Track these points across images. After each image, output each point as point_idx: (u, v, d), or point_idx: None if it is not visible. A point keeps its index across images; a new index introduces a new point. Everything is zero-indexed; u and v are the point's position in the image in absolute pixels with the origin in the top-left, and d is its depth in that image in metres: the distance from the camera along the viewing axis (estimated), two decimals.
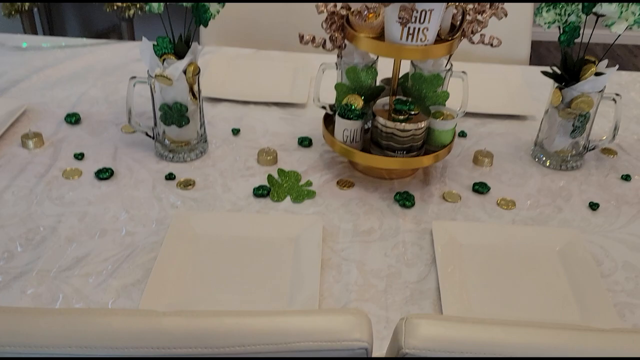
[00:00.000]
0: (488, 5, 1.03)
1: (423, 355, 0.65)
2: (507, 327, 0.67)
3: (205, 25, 1.14)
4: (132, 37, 2.58)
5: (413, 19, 1.03)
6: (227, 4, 1.77)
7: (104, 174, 1.17)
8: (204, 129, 1.27)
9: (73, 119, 1.33)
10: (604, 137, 1.30)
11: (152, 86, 1.18)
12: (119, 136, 1.30)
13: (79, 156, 1.22)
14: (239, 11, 1.78)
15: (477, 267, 1.02)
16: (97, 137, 1.30)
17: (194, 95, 1.20)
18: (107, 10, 2.35)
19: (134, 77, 1.20)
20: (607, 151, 1.34)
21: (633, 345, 0.65)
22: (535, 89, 1.56)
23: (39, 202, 1.10)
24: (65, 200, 1.11)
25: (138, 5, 2.40)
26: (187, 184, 1.17)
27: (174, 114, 1.19)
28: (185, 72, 1.17)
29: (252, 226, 1.06)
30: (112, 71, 1.54)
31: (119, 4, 2.35)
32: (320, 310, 0.90)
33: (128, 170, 1.20)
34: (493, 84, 1.57)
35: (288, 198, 1.16)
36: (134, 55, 1.61)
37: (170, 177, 1.19)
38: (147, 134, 1.25)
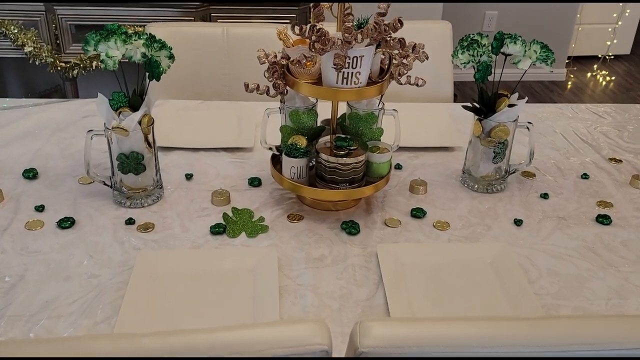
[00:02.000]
0: (411, 50, 1.18)
1: (377, 353, 0.74)
2: (447, 321, 0.78)
3: (158, 79, 1.24)
4: (76, 96, 2.64)
5: (346, 65, 1.16)
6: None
7: (66, 223, 1.24)
8: (160, 175, 1.35)
9: (31, 174, 1.39)
10: (522, 162, 1.45)
11: (109, 138, 1.26)
12: (77, 187, 1.37)
13: (40, 208, 1.28)
14: (183, 65, 1.89)
15: (420, 283, 1.13)
16: (55, 189, 1.36)
17: (149, 144, 1.29)
18: (51, 71, 2.41)
19: (91, 131, 1.28)
20: (526, 174, 1.50)
21: (552, 329, 0.76)
22: (459, 123, 1.72)
23: (4, 253, 1.15)
24: (30, 250, 1.17)
25: (82, 65, 2.48)
26: (147, 227, 1.25)
27: (131, 163, 1.27)
28: (140, 123, 1.26)
29: (212, 261, 1.15)
30: (64, 127, 1.61)
31: (63, 64, 2.42)
32: (284, 320, 0.99)
33: (88, 218, 1.27)
34: (422, 120, 1.72)
35: (243, 234, 1.25)
36: (84, 112, 1.69)
37: (130, 221, 1.26)
38: (104, 183, 1.32)
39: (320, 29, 1.09)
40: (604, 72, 4.37)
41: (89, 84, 2.70)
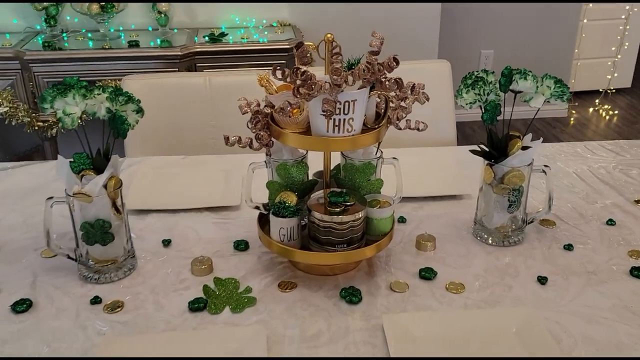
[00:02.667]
0: (409, 92, 1.03)
1: None
2: None
3: (124, 136, 1.10)
4: (56, 157, 2.50)
5: (337, 111, 1.01)
6: (149, 112, 1.75)
7: (21, 306, 1.07)
8: (131, 243, 1.19)
9: None
10: (540, 209, 1.29)
11: (71, 205, 1.11)
12: (39, 262, 1.21)
13: None
14: (164, 119, 1.75)
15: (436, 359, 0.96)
16: (14, 265, 1.20)
17: (117, 209, 1.14)
18: (28, 130, 2.28)
19: (50, 198, 1.12)
20: (545, 222, 1.34)
21: None
22: (466, 167, 1.57)
23: None
24: None
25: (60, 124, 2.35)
26: (115, 307, 1.08)
27: (97, 232, 1.12)
28: (106, 186, 1.11)
29: (189, 345, 0.98)
30: (30, 193, 1.46)
31: (40, 123, 2.29)
32: None
33: (48, 298, 1.10)
34: (425, 166, 1.57)
35: (227, 309, 1.08)
36: (52, 176, 1.53)
37: (95, 301, 1.09)
38: (69, 257, 1.16)
39: (305, 71, 0.95)
40: (606, 106, 4.25)
41: (70, 143, 2.56)
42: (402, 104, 1.16)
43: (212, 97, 1.74)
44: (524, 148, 1.19)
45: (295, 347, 0.99)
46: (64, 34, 2.60)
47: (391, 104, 1.15)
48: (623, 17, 4.16)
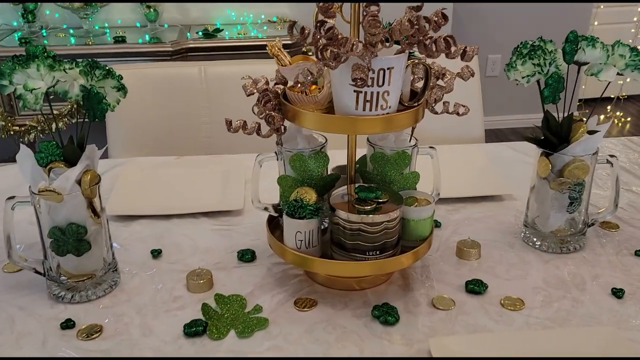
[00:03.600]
0: (460, 56, 0.82)
1: None
2: None
3: (101, 118, 0.88)
4: None
5: (370, 81, 0.81)
6: (137, 108, 1.53)
7: None
8: (112, 254, 0.97)
9: None
10: (602, 209, 1.09)
11: (37, 206, 0.89)
12: (0, 278, 0.99)
13: None
14: (153, 114, 1.54)
15: None
16: None
17: (94, 212, 0.92)
18: (2, 136, 2.06)
19: (11, 197, 0.91)
20: (606, 225, 1.13)
21: None
22: (501, 166, 1.36)
23: None
24: None
25: (39, 128, 2.13)
26: (92, 332, 0.86)
27: (69, 239, 0.90)
28: (80, 183, 0.89)
29: None
30: None
31: (16, 127, 2.07)
32: None
33: (9, 322, 0.88)
34: (456, 165, 1.36)
35: (232, 333, 0.86)
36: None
37: (67, 325, 0.87)
38: (35, 271, 0.94)
39: (332, 25, 0.74)
40: (618, 113, 4.07)
41: None
42: (440, 82, 0.96)
43: (207, 90, 1.53)
44: (590, 133, 0.98)
45: None
46: (43, 30, 2.39)
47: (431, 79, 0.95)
48: (635, 19, 4.00)
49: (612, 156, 1.04)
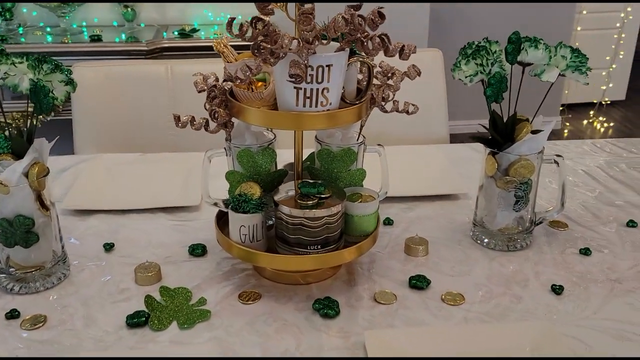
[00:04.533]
0: (398, 54, 0.84)
1: None
2: None
3: (47, 111, 0.90)
4: None
5: (309, 78, 0.82)
6: (104, 105, 1.54)
7: None
8: (62, 246, 0.98)
9: None
10: (551, 208, 1.11)
11: None
12: None
13: None
14: (120, 111, 1.55)
15: None
16: None
17: (42, 204, 0.93)
18: None
19: None
20: (556, 224, 1.15)
21: None
22: (461, 166, 1.38)
23: None
24: None
25: (14, 125, 2.14)
26: (36, 322, 0.87)
27: (17, 231, 0.91)
28: (27, 175, 0.90)
29: None
30: None
31: None
32: None
33: None
34: (414, 164, 1.38)
35: (174, 324, 0.87)
36: None
37: (12, 315, 0.88)
38: None
39: (267, 22, 0.76)
40: (601, 118, 4.10)
41: None
42: (389, 81, 0.97)
43: (174, 88, 1.54)
44: (534, 132, 1.00)
45: None
46: (20, 28, 2.40)
47: (376, 80, 0.97)
48: (618, 25, 4.03)
49: (558, 156, 1.06)
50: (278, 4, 0.85)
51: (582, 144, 1.55)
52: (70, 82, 0.92)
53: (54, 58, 0.93)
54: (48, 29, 2.42)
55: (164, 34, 2.39)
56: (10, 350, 0.82)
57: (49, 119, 2.19)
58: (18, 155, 0.91)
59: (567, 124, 4.04)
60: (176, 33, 2.40)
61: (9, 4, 2.35)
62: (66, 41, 2.28)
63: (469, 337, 0.83)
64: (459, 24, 3.47)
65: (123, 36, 2.36)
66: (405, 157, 1.41)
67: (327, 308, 0.89)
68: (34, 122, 0.93)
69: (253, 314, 0.90)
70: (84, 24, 2.47)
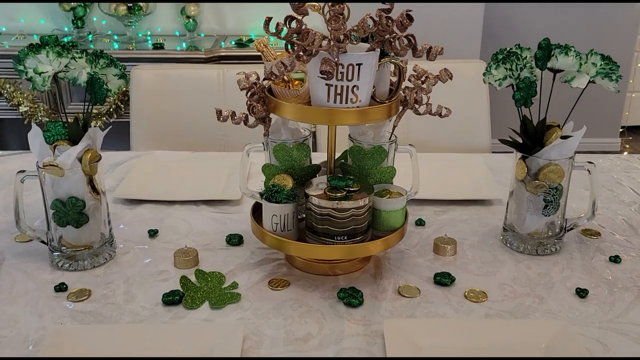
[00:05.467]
0: (425, 55, 0.88)
1: None
2: None
3: (102, 102, 0.98)
4: None
5: (339, 76, 0.87)
6: (158, 106, 1.64)
7: None
8: (110, 229, 1.06)
9: None
10: (582, 215, 1.11)
11: (42, 179, 0.99)
12: (11, 246, 1.09)
13: None
14: (173, 112, 1.64)
15: None
16: None
17: (93, 188, 1.01)
18: None
19: (22, 171, 1.01)
20: (588, 232, 1.15)
21: None
22: (500, 174, 1.40)
23: None
24: None
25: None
26: (81, 295, 0.95)
27: (69, 212, 0.99)
28: (80, 160, 0.98)
29: (151, 342, 0.83)
30: None
31: None
32: None
33: (11, 284, 0.98)
34: (453, 171, 1.40)
35: (206, 304, 0.93)
36: None
37: (61, 288, 0.96)
38: (42, 241, 1.04)
39: (300, 21, 0.82)
40: None
41: None
42: (422, 85, 1.01)
43: (224, 91, 1.62)
44: (564, 138, 1.01)
45: (279, 350, 0.83)
46: (90, 36, 2.56)
47: (409, 83, 1.01)
48: None
49: (590, 163, 1.07)
50: (314, 6, 0.90)
51: (629, 158, 1.53)
52: (123, 76, 1.00)
53: (120, 64, 1.01)
54: (115, 37, 2.57)
55: (222, 43, 2.49)
56: (55, 319, 0.90)
57: (112, 120, 2.32)
58: (74, 141, 1.00)
59: (627, 146, 3.94)
60: (233, 43, 2.50)
61: (81, 13, 2.51)
62: (131, 48, 2.42)
63: (486, 331, 0.85)
64: (512, 41, 3.45)
65: (184, 45, 2.48)
66: (445, 163, 1.44)
67: (351, 297, 0.93)
68: (90, 112, 1.01)
69: (280, 299, 0.95)
70: (149, 33, 2.61)
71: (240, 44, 2.47)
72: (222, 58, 2.34)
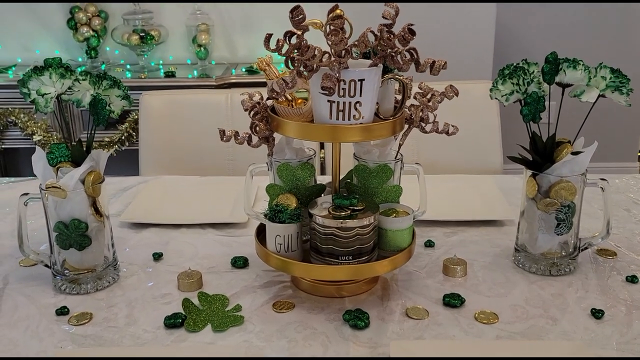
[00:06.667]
0: (429, 70, 0.87)
1: None
2: None
3: (104, 123, 0.98)
4: None
5: (341, 92, 0.86)
6: (167, 131, 1.64)
7: None
8: (114, 252, 1.05)
9: None
10: (597, 234, 1.08)
11: (45, 202, 0.98)
12: (15, 270, 1.08)
13: None
14: (182, 137, 1.64)
15: None
16: None
17: (96, 210, 1.00)
18: None
19: (25, 194, 1.00)
20: (604, 252, 1.12)
21: None
22: (511, 195, 1.36)
23: None
24: None
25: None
26: (82, 319, 0.93)
27: (71, 234, 0.98)
28: (84, 182, 0.98)
29: None
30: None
31: None
32: None
33: (13, 308, 0.97)
34: (464, 191, 1.38)
35: (209, 327, 0.91)
36: None
37: (62, 311, 0.95)
38: (46, 265, 1.03)
39: (300, 36, 0.81)
40: None
41: (107, 169, 2.49)
42: (428, 103, 1.00)
43: (232, 116, 1.62)
44: (575, 154, 0.99)
45: None
46: (103, 65, 2.59)
47: (414, 101, 0.99)
48: None
49: (603, 179, 1.04)
50: (316, 23, 0.89)
51: None
52: (126, 97, 1.00)
53: (132, 92, 1.01)
54: (128, 66, 2.60)
55: (233, 70, 2.51)
56: (55, 343, 0.88)
57: (123, 148, 2.33)
58: (77, 163, 0.99)
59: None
60: (244, 70, 2.52)
61: (94, 43, 2.55)
62: (143, 77, 2.44)
63: (497, 352, 0.82)
64: (524, 46, 3.39)
65: (195, 72, 2.50)
66: (456, 184, 1.42)
67: (356, 319, 0.90)
68: (93, 133, 1.00)
69: (285, 322, 0.92)
70: (161, 62, 2.64)
71: (250, 71, 2.48)
72: (233, 85, 2.35)
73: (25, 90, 0.96)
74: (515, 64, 0.99)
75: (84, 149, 1.01)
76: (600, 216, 1.23)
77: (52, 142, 2.31)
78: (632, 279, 1.02)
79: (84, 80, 0.99)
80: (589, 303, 0.96)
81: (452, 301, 0.96)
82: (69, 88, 0.98)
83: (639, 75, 3.53)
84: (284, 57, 0.84)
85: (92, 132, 1.00)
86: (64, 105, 1.01)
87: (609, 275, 1.04)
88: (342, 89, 0.86)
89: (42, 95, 0.94)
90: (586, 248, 1.07)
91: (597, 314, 0.92)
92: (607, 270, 1.06)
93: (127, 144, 2.31)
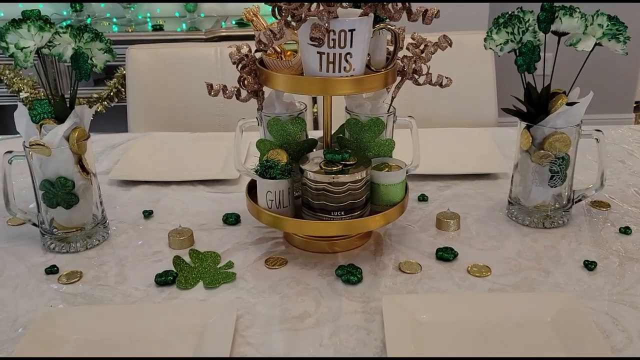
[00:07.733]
0: (421, 19, 0.84)
1: None
2: None
3: (87, 77, 0.95)
4: None
5: (331, 43, 0.83)
6: (157, 89, 1.60)
7: None
8: (102, 210, 1.03)
9: None
10: (591, 185, 1.07)
11: (30, 160, 0.96)
12: (3, 229, 1.07)
13: None
14: (171, 92, 1.61)
15: (445, 352, 0.75)
16: None
17: (83, 168, 0.98)
18: None
19: (9, 152, 0.98)
20: (597, 204, 1.11)
21: None
22: (507, 148, 1.35)
23: None
24: None
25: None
26: (72, 277, 0.92)
27: (58, 192, 0.96)
28: (68, 139, 0.96)
29: (140, 323, 0.80)
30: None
31: None
32: None
33: (1, 267, 0.96)
34: (458, 145, 1.36)
35: (200, 284, 0.90)
36: None
37: (51, 270, 0.94)
38: (33, 223, 1.01)
39: None
40: None
41: (95, 126, 2.46)
42: (421, 54, 0.97)
43: (222, 70, 1.59)
44: (570, 104, 0.97)
45: (273, 328, 0.80)
46: (89, 19, 2.53)
47: (407, 52, 0.96)
48: None
49: (598, 131, 1.03)
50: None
51: None
52: (109, 51, 0.97)
53: (119, 46, 0.98)
54: (114, 20, 2.53)
55: (223, 23, 2.45)
56: (45, 302, 0.87)
57: (112, 104, 2.29)
58: (61, 120, 0.97)
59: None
60: (234, 22, 2.46)
61: None
62: (130, 30, 2.38)
63: (488, 305, 0.82)
64: None
65: (184, 26, 2.44)
66: (450, 137, 1.40)
67: (349, 274, 0.90)
68: (76, 88, 0.98)
69: (277, 278, 0.92)
70: (148, 15, 2.57)
71: (241, 24, 2.42)
72: (223, 38, 2.30)
73: (3, 44, 0.93)
74: (510, 12, 0.96)
75: (68, 105, 0.98)
76: (595, 168, 1.22)
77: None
78: (625, 231, 1.01)
79: (64, 33, 0.95)
80: (582, 255, 0.96)
81: (445, 255, 0.95)
82: (50, 42, 0.95)
83: (635, 24, 3.49)
84: (271, 7, 0.81)
85: (75, 87, 0.97)
86: (50, 61, 0.98)
87: (602, 227, 1.04)
88: (332, 39, 0.83)
89: (21, 49, 0.90)
90: (580, 200, 1.06)
91: (589, 265, 0.92)
92: (600, 222, 1.05)
93: (116, 100, 2.27)
